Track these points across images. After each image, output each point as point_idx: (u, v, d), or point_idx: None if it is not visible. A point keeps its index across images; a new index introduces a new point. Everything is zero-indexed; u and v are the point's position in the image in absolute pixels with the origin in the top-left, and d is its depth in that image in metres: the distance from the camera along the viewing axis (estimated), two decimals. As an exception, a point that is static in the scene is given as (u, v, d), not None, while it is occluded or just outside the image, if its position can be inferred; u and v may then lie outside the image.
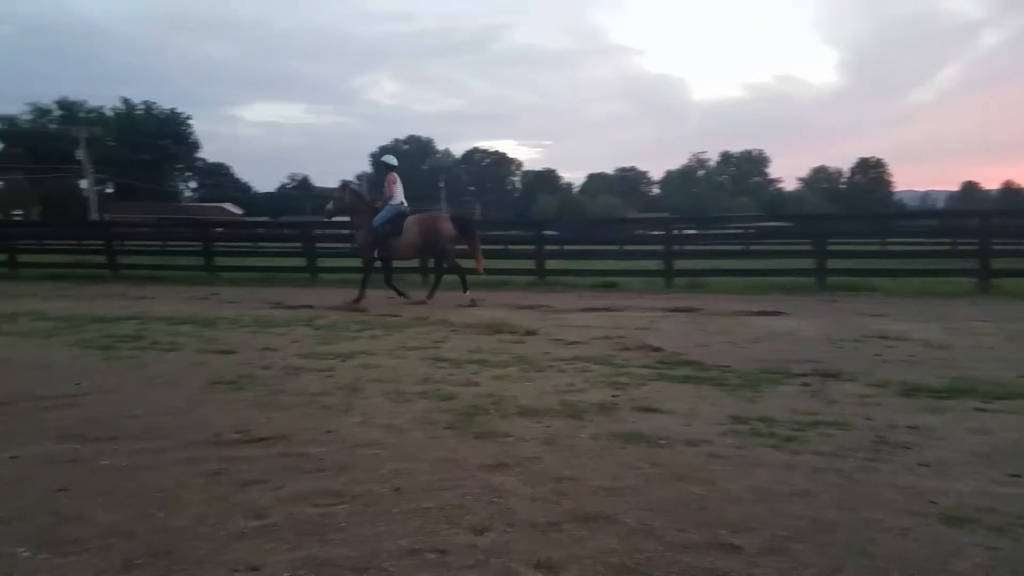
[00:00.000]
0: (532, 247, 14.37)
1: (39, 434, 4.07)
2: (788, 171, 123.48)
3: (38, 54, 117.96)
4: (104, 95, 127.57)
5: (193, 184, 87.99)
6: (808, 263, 13.01)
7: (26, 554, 2.60)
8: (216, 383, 5.40)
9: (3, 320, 8.72)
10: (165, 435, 4.06)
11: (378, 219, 10.53)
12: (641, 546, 2.67)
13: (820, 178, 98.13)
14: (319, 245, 15.11)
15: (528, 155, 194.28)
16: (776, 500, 3.12)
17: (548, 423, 4.32)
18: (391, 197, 10.67)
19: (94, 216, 42.81)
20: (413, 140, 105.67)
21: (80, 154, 46.37)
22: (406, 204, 10.88)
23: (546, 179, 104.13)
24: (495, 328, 7.97)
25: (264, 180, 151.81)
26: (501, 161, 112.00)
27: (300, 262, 15.02)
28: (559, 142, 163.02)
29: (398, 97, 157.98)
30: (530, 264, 13.90)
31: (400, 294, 10.78)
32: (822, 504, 3.06)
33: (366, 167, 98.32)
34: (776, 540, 2.71)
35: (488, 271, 13.97)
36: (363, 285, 10.76)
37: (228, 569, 2.48)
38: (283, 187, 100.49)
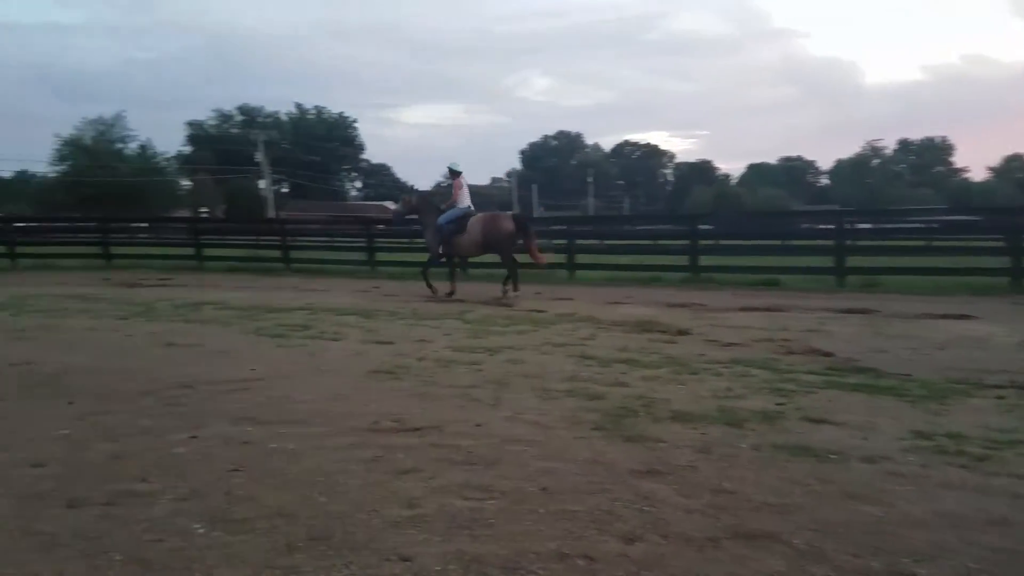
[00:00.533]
0: (686, 242, 13.89)
1: (217, 416, 4.41)
2: (976, 160, 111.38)
3: (223, 63, 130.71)
4: (280, 100, 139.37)
5: (358, 184, 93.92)
6: (1000, 261, 11.63)
7: (200, 530, 2.79)
8: (375, 372, 5.65)
9: (189, 308, 9.66)
10: (329, 421, 4.28)
11: (443, 219, 11.22)
12: (810, 571, 2.43)
13: (1014, 167, 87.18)
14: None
15: (681, 146, 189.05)
16: (967, 527, 2.75)
17: (704, 430, 4.09)
18: (457, 202, 11.30)
19: (270, 214, 46.80)
20: (562, 135, 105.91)
21: (259, 156, 50.86)
22: (472, 207, 11.44)
23: (701, 171, 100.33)
24: (645, 327, 7.74)
25: (421, 179, 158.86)
26: (652, 153, 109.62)
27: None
28: (715, 132, 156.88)
29: (548, 93, 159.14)
30: (683, 260, 13.43)
31: (450, 291, 11.29)
32: (1023, 535, 2.66)
33: (516, 164, 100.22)
34: (966, 573, 2.39)
35: (637, 267, 13.74)
36: (450, 278, 11.53)
37: (381, 558, 2.53)
38: (438, 185, 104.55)
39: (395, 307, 9.75)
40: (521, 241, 11.14)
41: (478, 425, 4.17)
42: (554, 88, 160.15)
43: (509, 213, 12.42)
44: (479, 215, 11.26)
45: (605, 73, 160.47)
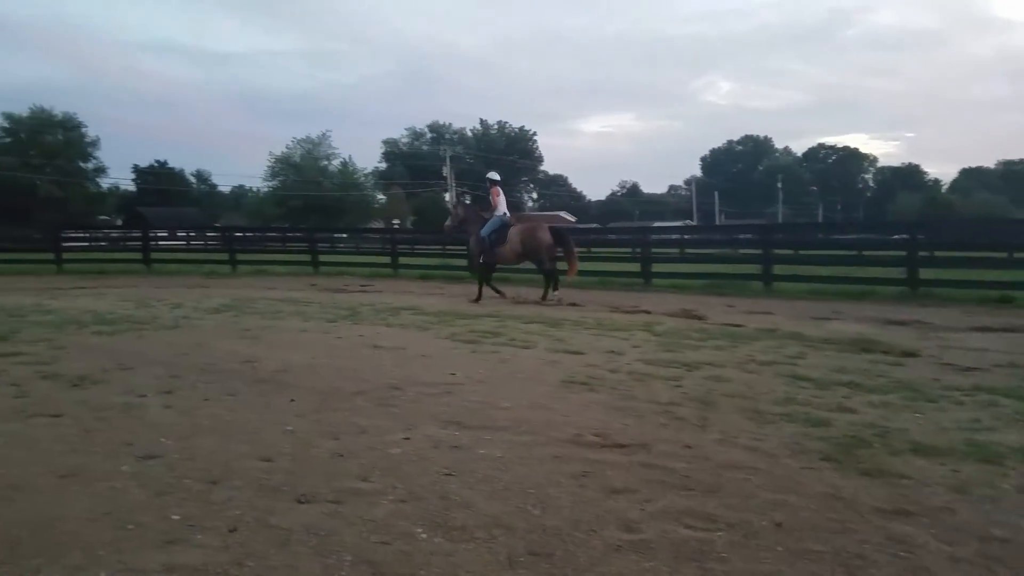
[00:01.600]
0: (902, 253, 12.51)
1: (425, 418, 4.52)
2: None
3: (416, 83, 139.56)
4: (466, 117, 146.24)
5: (534, 195, 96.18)
6: None
7: (423, 535, 2.80)
8: (569, 382, 5.55)
9: (389, 313, 10.20)
10: (531, 429, 4.22)
11: (484, 229, 11.83)
12: None
13: None
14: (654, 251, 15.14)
15: (883, 149, 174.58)
16: None
17: (955, 466, 3.53)
18: (495, 208, 11.94)
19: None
20: (748, 140, 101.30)
21: (445, 170, 53.54)
22: (508, 215, 12.11)
23: (906, 175, 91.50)
24: (862, 346, 6.99)
25: (596, 188, 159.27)
26: (850, 157, 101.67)
27: (632, 267, 15.22)
28: (922, 133, 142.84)
29: (732, 96, 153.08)
30: (895, 272, 12.12)
31: (497, 292, 12.08)
32: None
33: (696, 171, 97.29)
34: None
35: (845, 279, 12.58)
36: (482, 285, 12.13)
37: (607, 584, 2.37)
38: (613, 194, 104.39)
39: (579, 317, 9.66)
40: (560, 251, 11.70)
41: (688, 447, 3.90)
42: (738, 91, 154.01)
43: (546, 224, 12.74)
44: (518, 226, 11.87)
45: (795, 73, 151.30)
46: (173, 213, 60.49)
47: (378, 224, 58.50)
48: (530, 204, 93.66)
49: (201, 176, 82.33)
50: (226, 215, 73.83)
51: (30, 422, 4.45)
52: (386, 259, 18.98)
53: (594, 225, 65.09)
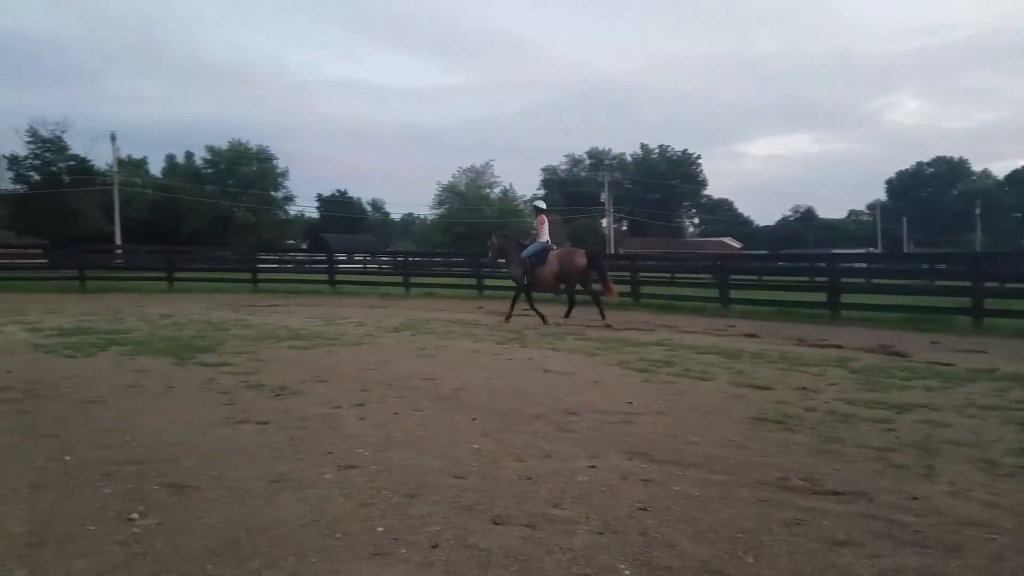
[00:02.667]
0: None
1: (609, 447, 4.37)
2: None
3: (575, 113, 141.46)
4: (625, 142, 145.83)
5: (696, 220, 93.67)
6: None
7: (627, 572, 2.65)
8: (760, 419, 5.17)
9: (554, 337, 10.18)
10: (727, 469, 3.94)
11: (526, 252, 12.58)
12: None
13: None
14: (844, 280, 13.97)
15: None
16: None
17: None
18: (540, 236, 12.68)
19: (610, 250, 48.80)
20: (940, 161, 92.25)
21: (603, 196, 53.54)
22: (550, 241, 12.82)
23: None
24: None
25: (765, 213, 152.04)
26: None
27: (818, 297, 14.19)
28: None
29: (920, 115, 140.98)
30: None
31: (539, 316, 12.45)
32: None
33: (880, 195, 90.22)
34: None
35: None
36: (514, 303, 12.95)
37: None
38: (784, 219, 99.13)
39: (758, 348, 9.10)
40: (595, 274, 12.56)
41: (914, 498, 3.45)
42: (927, 110, 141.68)
43: (582, 250, 13.31)
44: (557, 250, 12.67)
45: (993, 91, 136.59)
46: (351, 239, 65.38)
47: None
48: (691, 229, 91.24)
49: (376, 205, 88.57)
50: (397, 241, 78.82)
51: (239, 428, 4.81)
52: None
53: (762, 251, 62.19)
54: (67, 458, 3.98)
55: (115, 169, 47.37)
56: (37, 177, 51.67)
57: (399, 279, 21.28)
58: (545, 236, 12.73)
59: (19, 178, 52.72)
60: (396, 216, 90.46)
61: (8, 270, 21.49)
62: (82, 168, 52.44)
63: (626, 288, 17.21)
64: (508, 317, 12.56)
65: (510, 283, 21.04)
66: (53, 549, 2.79)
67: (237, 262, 26.08)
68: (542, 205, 13.42)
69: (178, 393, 5.91)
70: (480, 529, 3.04)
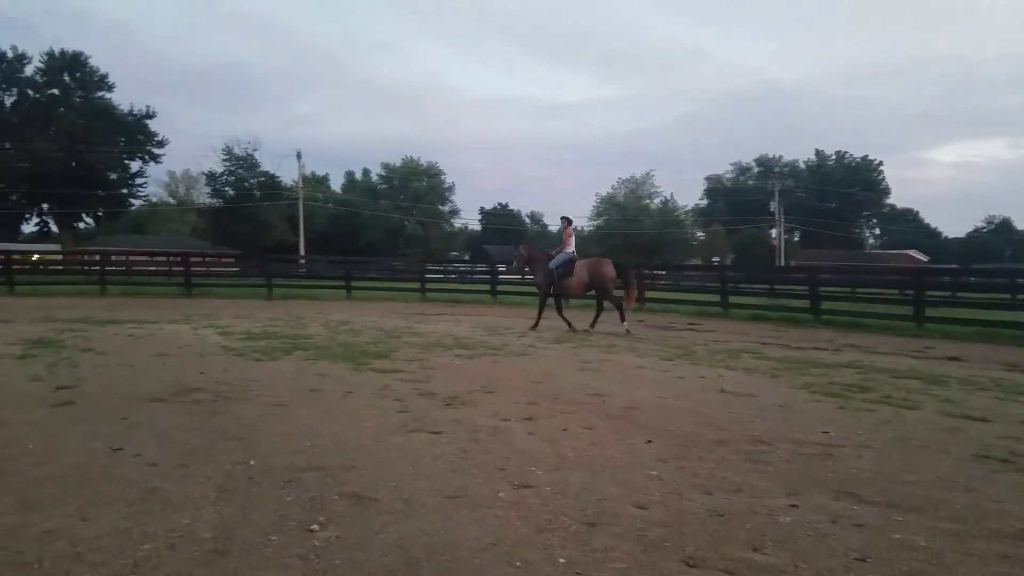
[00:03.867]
0: None
1: (810, 483, 3.89)
2: None
3: (740, 120, 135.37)
4: (797, 150, 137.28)
5: (876, 231, 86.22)
6: None
7: (856, 638, 2.24)
8: (983, 456, 4.44)
9: (727, 355, 9.54)
10: (955, 515, 3.38)
11: (554, 263, 12.83)
12: None
13: None
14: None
15: None
16: None
17: None
18: (567, 247, 12.92)
19: (780, 262, 45.98)
20: None
21: (773, 206, 50.64)
22: (576, 253, 13.00)
23: None
24: None
25: (953, 224, 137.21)
26: None
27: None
28: None
29: None
30: None
31: (567, 324, 12.73)
32: None
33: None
34: None
35: None
36: (540, 312, 13.15)
37: None
38: (976, 231, 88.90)
39: (965, 374, 7.99)
40: (621, 283, 12.81)
41: None
42: None
43: (610, 260, 13.43)
44: (584, 260, 12.91)
45: None
46: (511, 251, 66.92)
47: (695, 262, 57.58)
48: (871, 241, 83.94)
49: (534, 217, 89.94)
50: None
51: (413, 437, 4.82)
52: (714, 297, 18.21)
53: (953, 265, 56.02)
54: (252, 463, 4.13)
55: (301, 185, 51.78)
56: (231, 192, 57.56)
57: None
58: (571, 247, 13.07)
59: (215, 193, 59.04)
60: (554, 228, 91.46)
61: (205, 277, 23.83)
62: (271, 184, 57.84)
63: (804, 303, 16.01)
64: (535, 325, 12.82)
65: (672, 295, 20.45)
66: (237, 559, 2.82)
67: (407, 272, 27.41)
68: (570, 217, 13.73)
69: (355, 399, 6.10)
70: (672, 571, 2.75)
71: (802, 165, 79.01)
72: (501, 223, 79.07)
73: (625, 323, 12.37)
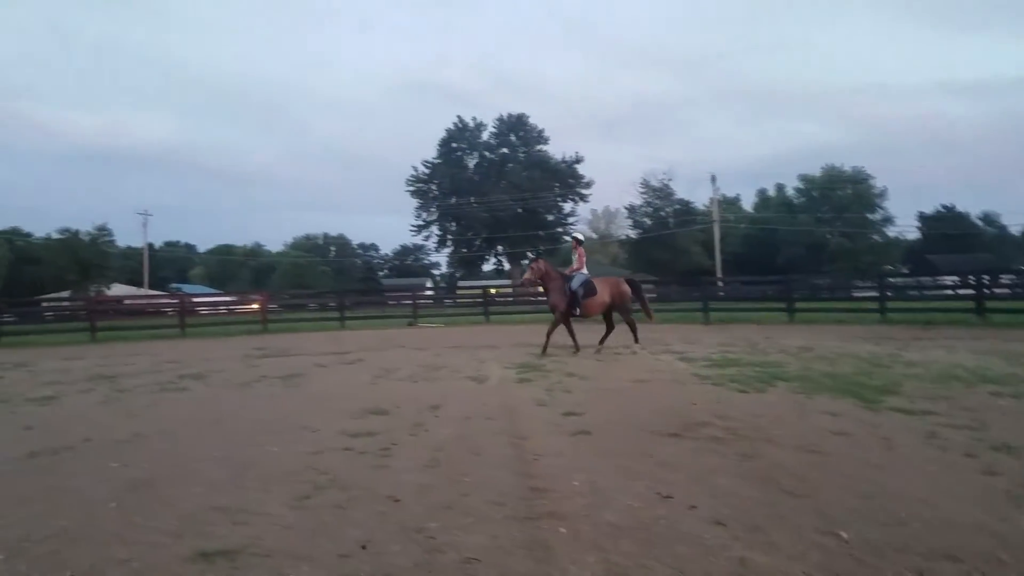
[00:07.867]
0: None
1: None
2: None
3: None
4: None
5: None
6: None
7: None
8: None
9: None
10: None
11: (575, 283, 12.42)
12: None
13: None
14: None
15: None
16: None
17: None
18: (581, 267, 12.73)
19: None
20: None
21: None
22: (588, 273, 12.76)
23: None
24: None
25: None
26: None
27: None
28: None
29: None
30: None
31: (573, 343, 12.65)
32: None
33: None
34: None
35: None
36: (550, 334, 12.72)
37: None
38: None
39: None
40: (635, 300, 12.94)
41: None
42: None
43: (623, 278, 13.52)
44: (602, 280, 12.83)
45: None
46: (962, 260, 56.02)
47: None
48: None
49: (988, 218, 73.88)
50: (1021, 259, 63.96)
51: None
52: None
53: None
54: (843, 535, 3.23)
55: (716, 208, 51.33)
56: (648, 222, 59.94)
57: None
58: (584, 267, 12.83)
59: (635, 224, 62.15)
60: (1016, 230, 73.25)
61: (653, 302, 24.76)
62: (685, 210, 58.63)
63: None
64: (544, 349, 12.41)
65: None
66: None
67: (830, 290, 24.84)
68: (581, 237, 13.54)
69: (905, 450, 4.83)
70: None
71: None
72: (946, 228, 66.76)
73: (638, 343, 12.35)
